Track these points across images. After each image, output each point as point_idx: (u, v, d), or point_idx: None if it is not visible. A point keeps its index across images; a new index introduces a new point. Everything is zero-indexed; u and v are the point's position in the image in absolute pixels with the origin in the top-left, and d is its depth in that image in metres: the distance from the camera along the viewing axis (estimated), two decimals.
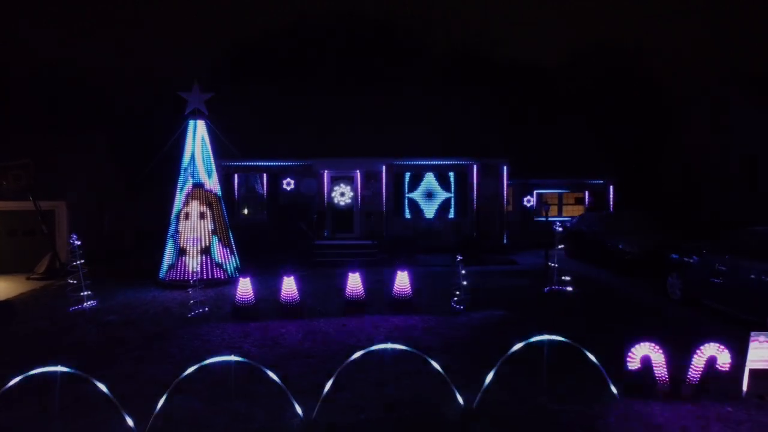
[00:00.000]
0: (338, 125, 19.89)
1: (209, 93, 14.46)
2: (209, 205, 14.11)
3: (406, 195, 19.25)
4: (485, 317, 10.16)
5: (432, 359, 6.21)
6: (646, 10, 57.60)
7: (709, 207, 21.25)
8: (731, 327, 9.10)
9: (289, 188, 18.95)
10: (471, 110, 20.80)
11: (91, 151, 19.63)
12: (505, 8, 57.03)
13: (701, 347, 6.29)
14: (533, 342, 6.27)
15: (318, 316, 10.31)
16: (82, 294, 11.22)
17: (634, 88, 33.83)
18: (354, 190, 18.98)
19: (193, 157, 14.16)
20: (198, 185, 14.07)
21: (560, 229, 13.09)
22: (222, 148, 16.15)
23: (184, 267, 13.60)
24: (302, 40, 35.42)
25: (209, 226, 13.98)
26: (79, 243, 11.40)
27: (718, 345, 6.27)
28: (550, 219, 15.64)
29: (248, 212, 19.45)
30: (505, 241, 19.31)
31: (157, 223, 18.72)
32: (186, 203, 13.97)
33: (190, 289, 11.07)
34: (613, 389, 6.35)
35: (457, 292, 10.75)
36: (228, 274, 14.01)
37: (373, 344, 6.55)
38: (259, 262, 15.51)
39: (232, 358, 6.02)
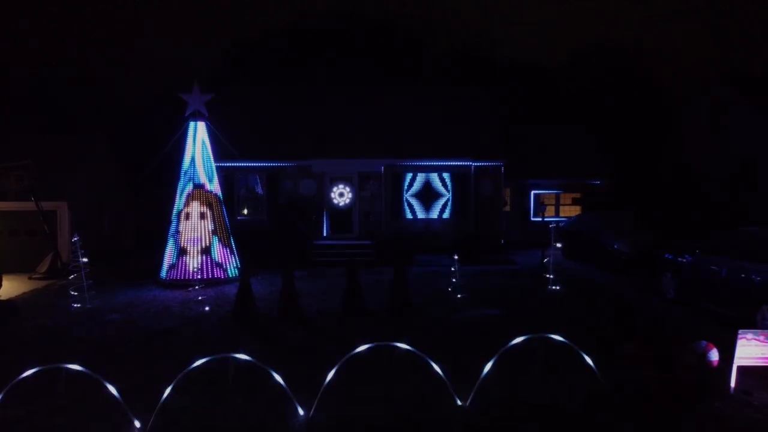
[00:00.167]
0: (338, 126, 20.01)
1: (209, 94, 14.60)
2: (209, 205, 14.26)
3: (405, 195, 19.39)
4: (484, 316, 10.29)
5: (430, 358, 6.35)
6: (646, 10, 57.75)
7: (708, 207, 21.33)
8: (721, 325, 9.22)
9: (288, 189, 19.07)
10: (470, 110, 20.92)
11: (92, 151, 19.77)
12: (505, 8, 57.20)
13: (690, 346, 6.43)
14: (528, 341, 6.41)
15: (318, 317, 10.46)
16: (84, 294, 11.37)
17: (634, 88, 33.95)
18: (353, 190, 19.11)
19: (193, 159, 14.30)
20: (198, 186, 14.21)
21: (552, 225, 13.25)
22: (222, 148, 16.29)
23: (185, 267, 13.75)
24: (302, 41, 35.54)
25: (209, 227, 14.13)
26: (80, 243, 11.55)
27: (706, 343, 6.42)
28: (546, 219, 15.78)
29: (248, 212, 19.58)
30: (503, 241, 19.45)
31: (157, 223, 18.88)
32: (187, 204, 14.12)
33: (191, 288, 11.20)
34: (604, 385, 6.50)
35: (454, 291, 10.88)
36: (228, 274, 14.16)
37: (372, 342, 6.68)
38: (259, 262, 15.64)
39: (242, 356, 6.16)
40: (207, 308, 11.00)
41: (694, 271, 10.52)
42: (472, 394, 6.21)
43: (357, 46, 35.40)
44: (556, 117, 29.56)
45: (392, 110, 20.74)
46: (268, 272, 14.60)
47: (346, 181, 19.12)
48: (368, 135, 19.56)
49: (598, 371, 6.51)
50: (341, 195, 19.10)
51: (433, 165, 19.24)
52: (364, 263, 15.22)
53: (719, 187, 21.30)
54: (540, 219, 18.84)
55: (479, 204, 19.32)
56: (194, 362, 6.03)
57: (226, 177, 18.50)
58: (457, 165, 19.22)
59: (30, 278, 14.86)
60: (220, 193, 14.86)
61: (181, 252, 13.85)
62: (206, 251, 13.94)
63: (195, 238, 13.91)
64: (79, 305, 11.23)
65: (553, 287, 12.49)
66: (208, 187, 14.37)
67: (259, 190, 19.53)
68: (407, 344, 6.47)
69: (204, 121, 14.54)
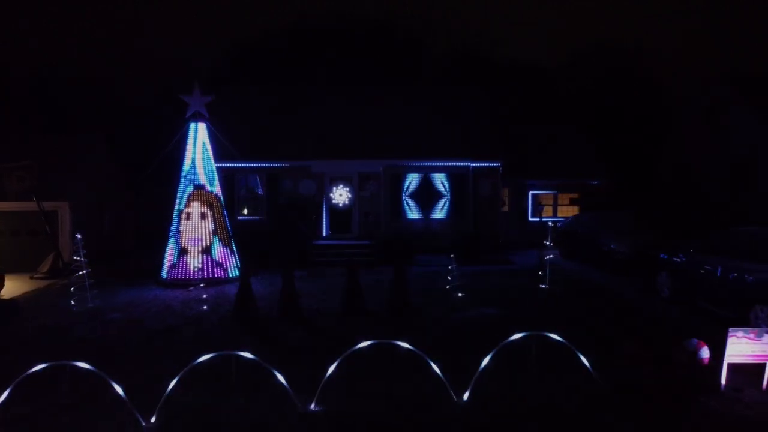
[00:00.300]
0: (337, 126, 20.09)
1: (209, 96, 14.68)
2: (210, 206, 14.35)
3: (404, 195, 19.48)
4: (483, 316, 10.37)
5: (430, 358, 6.43)
6: (646, 10, 57.80)
7: (708, 207, 21.39)
8: (714, 324, 9.30)
9: (288, 189, 19.15)
10: (469, 111, 21.00)
11: (92, 151, 19.86)
12: (505, 8, 57.25)
13: (681, 344, 6.52)
14: (527, 339, 6.50)
15: (318, 316, 10.55)
16: (85, 293, 11.46)
17: (634, 88, 34.01)
18: (352, 191, 19.19)
19: (194, 161, 14.38)
20: (199, 187, 14.31)
21: (551, 225, 13.36)
22: (222, 149, 16.37)
23: (186, 266, 13.84)
24: (302, 41, 35.61)
25: (210, 227, 14.22)
26: (82, 243, 11.64)
27: (697, 341, 6.51)
28: (544, 219, 15.85)
29: (248, 213, 19.67)
30: (501, 241, 19.53)
31: (157, 223, 18.97)
32: (187, 204, 14.22)
33: (191, 288, 11.29)
34: (602, 385, 6.58)
35: (453, 291, 10.96)
36: (228, 274, 14.25)
37: (368, 340, 6.77)
38: (259, 262, 15.73)
39: (245, 354, 6.25)
40: (207, 308, 11.09)
41: (688, 271, 10.62)
42: (469, 388, 6.30)
43: (357, 46, 35.48)
44: (555, 117, 29.61)
45: (392, 110, 20.82)
46: (268, 272, 14.69)
47: (346, 181, 19.20)
48: (368, 135, 19.64)
49: (594, 371, 6.59)
50: (341, 195, 19.18)
51: (433, 165, 19.32)
52: (364, 263, 15.31)
53: (719, 187, 21.35)
54: (538, 219, 18.91)
55: (478, 204, 19.41)
56: (197, 359, 6.12)
57: (226, 177, 18.59)
58: (455, 165, 19.30)
59: (32, 278, 14.95)
60: (220, 193, 14.95)
61: (182, 252, 13.95)
62: (207, 251, 14.04)
63: (196, 238, 14.01)
64: (80, 305, 11.32)
65: (552, 287, 12.58)
66: (208, 188, 14.46)
67: (259, 190, 19.62)
68: (407, 344, 6.56)
69: (204, 122, 14.62)
